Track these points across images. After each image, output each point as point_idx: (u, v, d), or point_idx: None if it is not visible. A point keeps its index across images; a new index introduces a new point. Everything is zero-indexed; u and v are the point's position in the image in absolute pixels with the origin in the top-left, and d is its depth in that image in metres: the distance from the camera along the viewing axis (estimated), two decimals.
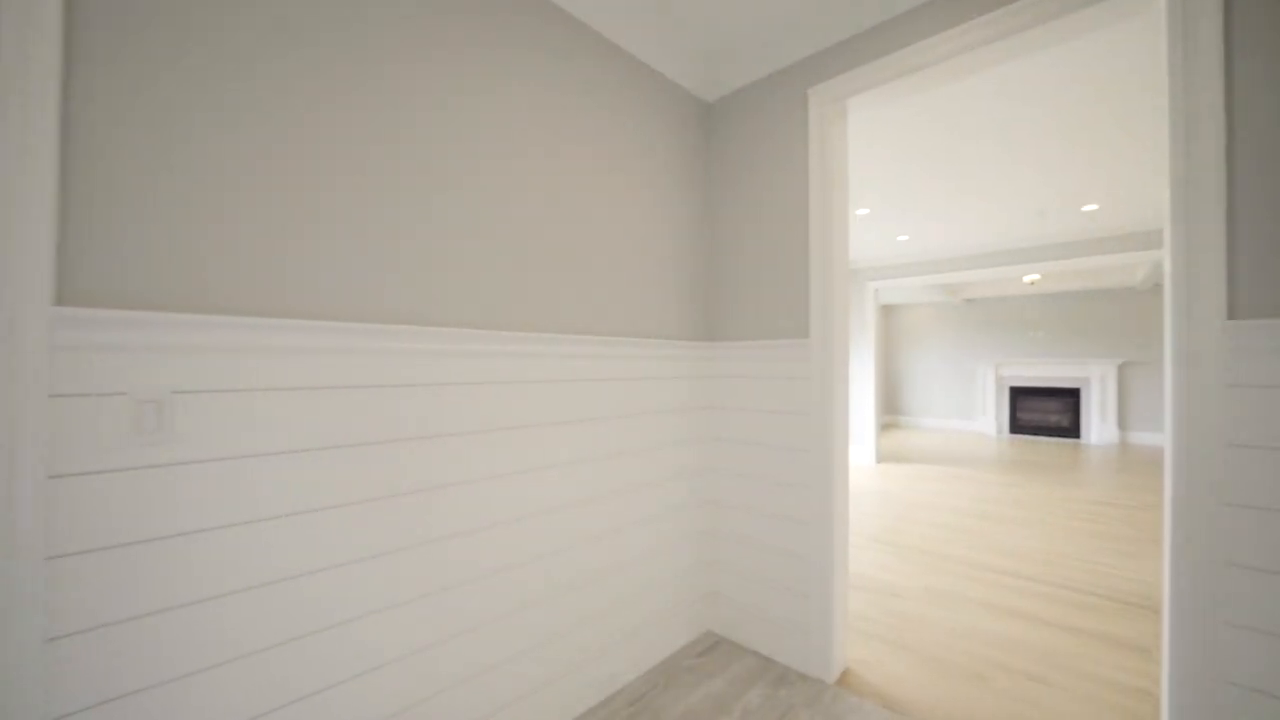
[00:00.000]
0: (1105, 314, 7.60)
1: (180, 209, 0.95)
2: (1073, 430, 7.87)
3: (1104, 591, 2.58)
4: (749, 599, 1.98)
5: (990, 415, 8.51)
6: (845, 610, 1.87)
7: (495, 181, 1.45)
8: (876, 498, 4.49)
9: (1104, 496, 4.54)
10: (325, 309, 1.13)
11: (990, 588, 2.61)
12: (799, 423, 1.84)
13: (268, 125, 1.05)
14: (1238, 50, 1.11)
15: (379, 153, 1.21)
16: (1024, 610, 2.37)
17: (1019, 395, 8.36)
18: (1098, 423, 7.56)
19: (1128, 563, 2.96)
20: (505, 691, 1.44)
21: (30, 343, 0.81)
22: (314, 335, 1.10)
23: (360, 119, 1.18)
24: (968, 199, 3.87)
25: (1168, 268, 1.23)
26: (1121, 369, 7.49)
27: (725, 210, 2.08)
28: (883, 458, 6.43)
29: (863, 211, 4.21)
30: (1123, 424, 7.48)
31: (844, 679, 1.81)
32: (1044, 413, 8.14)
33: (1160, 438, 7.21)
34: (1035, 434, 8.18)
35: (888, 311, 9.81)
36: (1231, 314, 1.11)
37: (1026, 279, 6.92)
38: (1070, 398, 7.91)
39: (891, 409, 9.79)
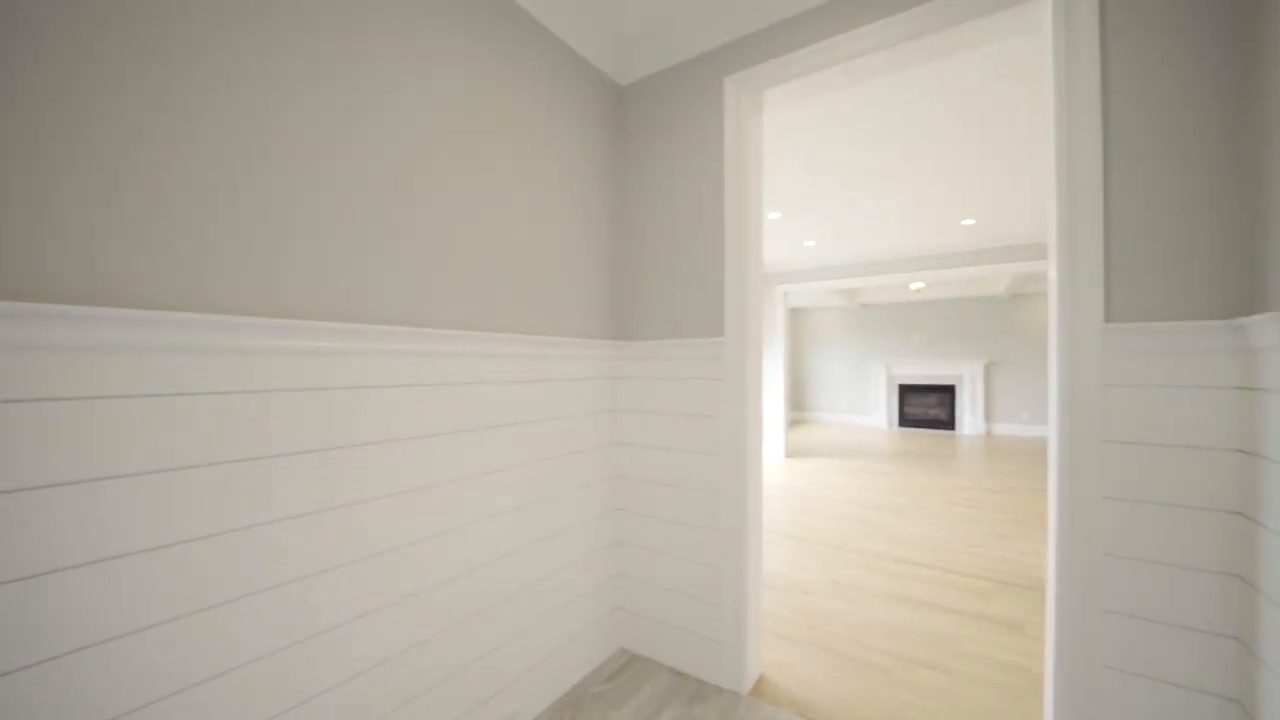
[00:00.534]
0: (975, 319, 8.56)
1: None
2: (949, 423, 8.78)
3: (981, 572, 2.80)
4: (662, 612, 1.89)
5: (882, 410, 9.28)
6: (759, 616, 1.83)
7: (399, 164, 1.22)
8: (785, 493, 4.65)
9: (976, 483, 5.05)
10: (183, 298, 0.86)
11: (888, 577, 2.75)
12: (712, 426, 1.77)
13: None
14: (1114, 77, 1.18)
15: (258, 128, 0.95)
16: (917, 597, 2.50)
17: (906, 392, 9.19)
18: (969, 416, 8.50)
19: (1000, 544, 3.27)
20: None
21: None
22: (155, 331, 0.84)
23: (242, 96, 0.91)
24: (867, 209, 4.10)
25: (1053, 275, 1.29)
26: (987, 368, 8.47)
27: (638, 200, 1.97)
28: (791, 453, 6.74)
29: (774, 215, 4.32)
30: (988, 416, 8.46)
31: (758, 688, 1.77)
32: (925, 407, 9.01)
33: (1017, 428, 8.26)
34: (918, 426, 9.04)
35: (795, 314, 10.37)
36: (1108, 318, 1.17)
37: (913, 286, 7.60)
38: (947, 393, 8.82)
39: (798, 406, 10.36)
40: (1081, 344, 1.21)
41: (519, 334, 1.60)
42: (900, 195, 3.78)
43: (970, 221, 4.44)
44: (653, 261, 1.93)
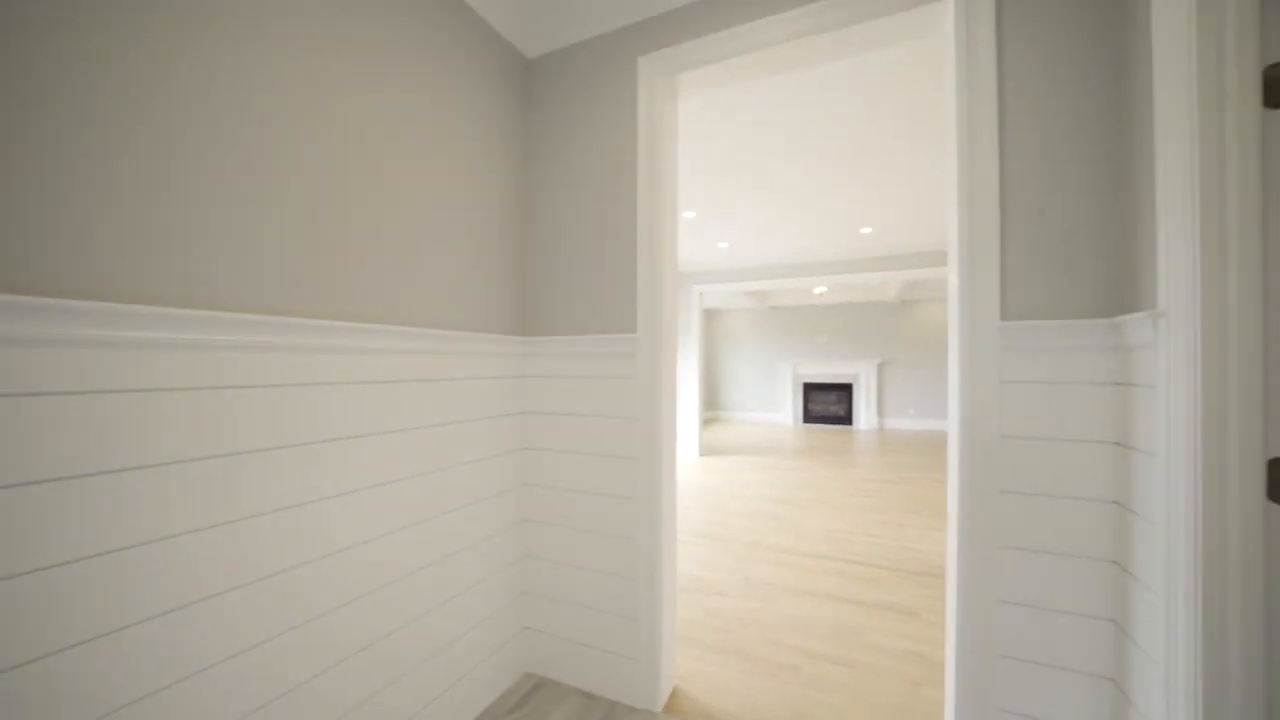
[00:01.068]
0: (869, 322, 9.28)
1: None
2: (848, 418, 9.45)
3: (880, 562, 2.95)
4: (572, 630, 1.74)
5: (789, 408, 9.78)
6: (674, 626, 1.75)
7: (288, 140, 0.95)
8: (700, 491, 4.68)
9: (873, 475, 5.41)
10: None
11: (796, 571, 2.80)
12: (625, 427, 1.65)
13: None
14: (1007, 84, 1.21)
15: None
16: (824, 590, 2.56)
17: (810, 390, 9.76)
18: (864, 411, 9.20)
19: (897, 532, 3.49)
20: None
21: None
22: None
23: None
24: (776, 213, 4.23)
25: (953, 276, 1.32)
26: (880, 367, 9.21)
27: (547, 183, 1.80)
28: (705, 451, 6.85)
29: (689, 214, 4.32)
30: (881, 412, 9.20)
31: (672, 703, 1.68)
32: (827, 404, 9.63)
33: (906, 422, 9.06)
34: (821, 422, 9.63)
35: (709, 315, 10.63)
36: (1004, 316, 1.21)
37: (816, 291, 8.07)
38: (845, 391, 9.49)
39: (712, 405, 10.64)
40: (980, 342, 1.24)
41: (406, 326, 1.37)
42: (806, 202, 3.92)
43: (868, 230, 4.74)
44: (562, 250, 1.78)
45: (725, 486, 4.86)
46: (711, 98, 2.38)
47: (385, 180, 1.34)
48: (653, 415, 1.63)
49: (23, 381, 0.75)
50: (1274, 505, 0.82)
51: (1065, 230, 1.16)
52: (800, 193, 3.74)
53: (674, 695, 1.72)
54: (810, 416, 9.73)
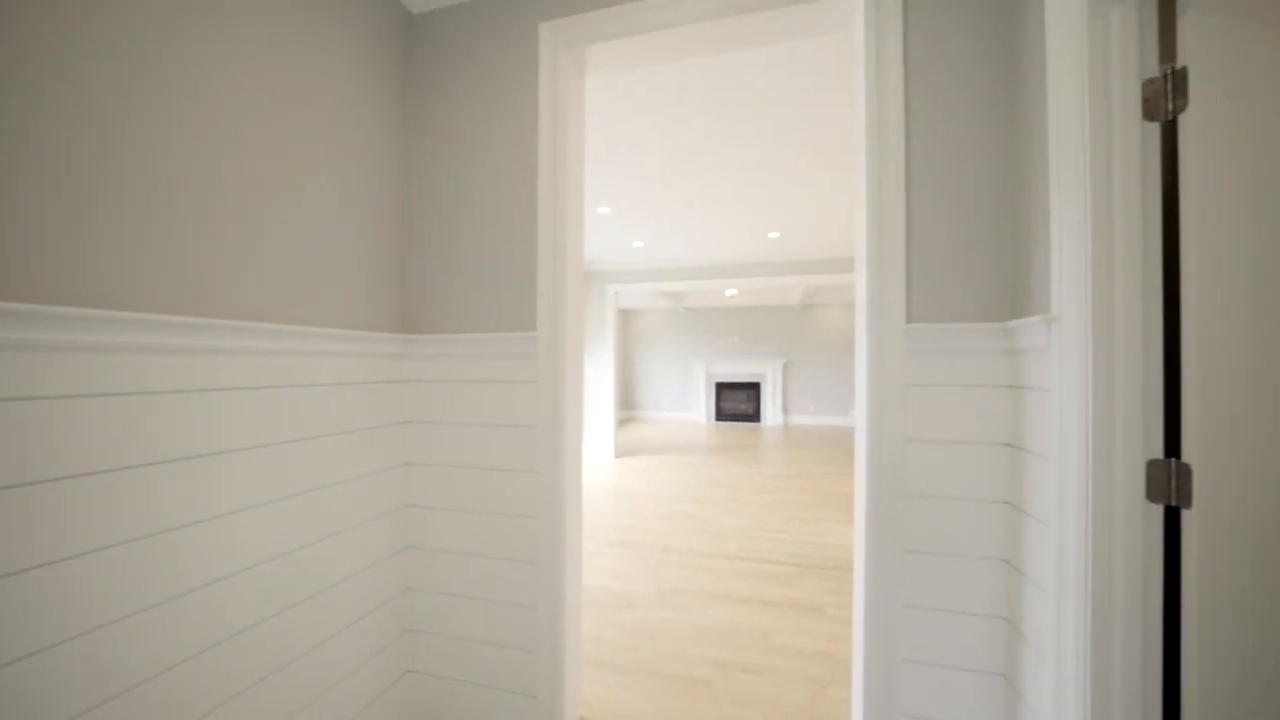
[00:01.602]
0: (775, 324, 9.74)
1: None
2: (756, 416, 9.86)
3: (786, 558, 3.02)
4: (464, 670, 1.53)
5: (702, 406, 10.02)
6: (579, 653, 1.60)
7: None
8: (615, 494, 4.57)
9: (779, 470, 5.63)
10: None
11: (709, 574, 2.78)
12: (525, 438, 1.48)
13: None
14: (912, 87, 1.21)
15: None
16: (734, 592, 2.55)
17: (721, 389, 10.07)
18: (771, 409, 9.65)
19: (801, 527, 3.61)
20: None
21: None
22: None
23: None
24: (690, 214, 4.23)
25: (862, 277, 1.30)
26: (785, 367, 9.71)
27: (433, 163, 1.58)
28: (620, 453, 6.77)
29: (604, 210, 4.19)
30: (786, 409, 9.70)
31: None
32: (737, 402, 9.99)
33: (808, 419, 9.61)
34: (732, 420, 9.97)
35: (625, 315, 10.60)
36: (910, 319, 1.20)
37: (728, 293, 8.30)
38: (754, 390, 9.90)
39: (628, 405, 10.62)
40: (887, 344, 1.23)
41: (255, 322, 1.10)
42: (722, 203, 3.95)
43: (775, 234, 4.90)
44: (452, 237, 1.56)
45: (641, 488, 4.79)
46: (628, 86, 2.26)
47: (224, 145, 1.06)
48: (556, 423, 1.47)
49: None
50: (1152, 505, 0.85)
51: (968, 233, 1.17)
52: (715, 194, 3.75)
53: None
54: (721, 415, 10.04)
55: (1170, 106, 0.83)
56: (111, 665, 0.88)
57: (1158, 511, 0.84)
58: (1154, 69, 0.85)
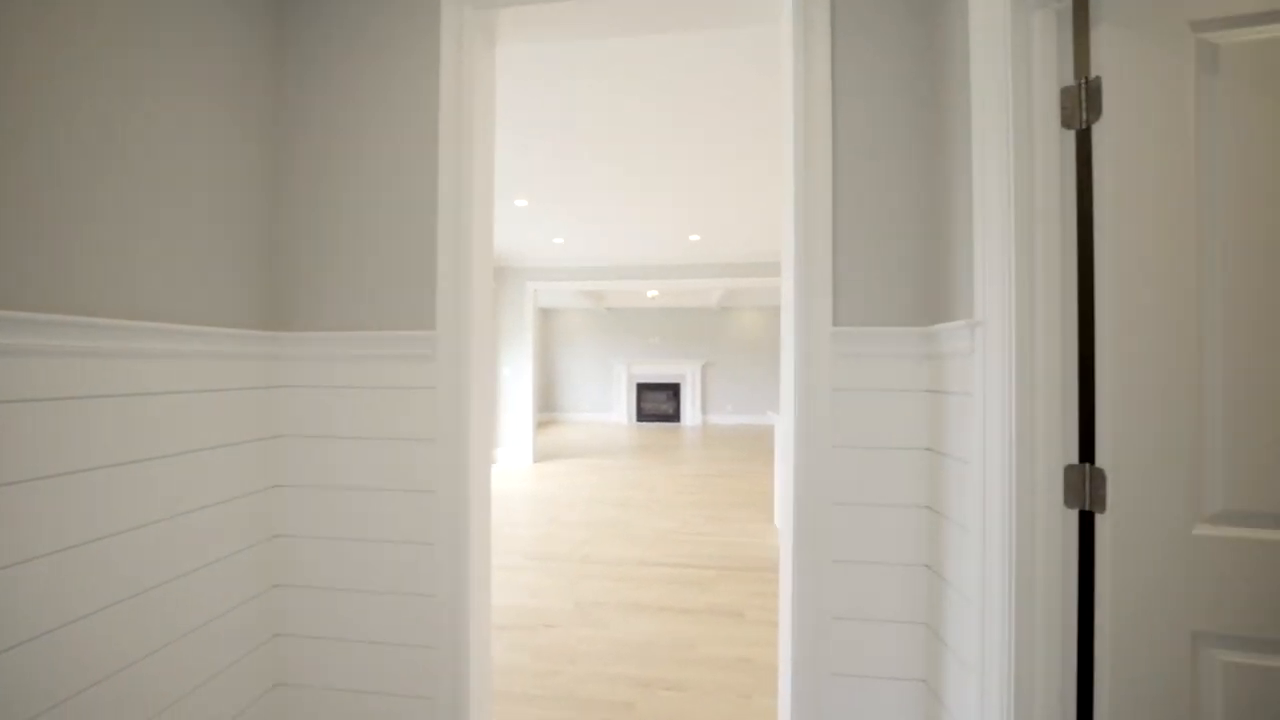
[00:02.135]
0: (694, 326, 9.93)
1: None
2: (676, 416, 9.99)
3: (706, 561, 3.00)
4: None
5: (623, 407, 9.98)
6: (488, 690, 1.42)
7: None
8: (532, 502, 4.35)
9: (699, 470, 5.69)
10: None
11: (629, 584, 2.68)
12: (421, 453, 1.28)
13: None
14: (840, 92, 1.18)
15: None
16: (654, 601, 2.47)
17: (642, 389, 10.09)
18: (690, 409, 9.82)
19: (720, 527, 3.62)
20: None
21: None
22: None
23: None
24: (611, 212, 4.12)
25: (790, 281, 1.25)
26: (704, 368, 9.92)
27: (313, 133, 1.33)
28: (539, 457, 6.51)
29: (521, 203, 3.97)
30: (704, 409, 9.92)
31: None
32: (658, 403, 10.07)
33: (725, 418, 9.89)
34: (653, 420, 10.02)
35: (545, 315, 10.29)
36: (836, 322, 1.17)
37: (649, 294, 8.31)
38: (674, 390, 10.02)
39: (548, 406, 10.32)
40: (814, 347, 1.19)
41: (80, 316, 0.82)
42: (643, 198, 3.88)
43: (696, 237, 4.94)
44: (334, 218, 1.32)
45: (560, 494, 4.61)
46: (545, 62, 2.10)
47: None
48: (458, 435, 1.29)
49: None
50: (1069, 511, 0.86)
51: (894, 237, 1.16)
52: (635, 185, 3.67)
53: None
54: (642, 415, 10.06)
55: (1085, 116, 0.84)
56: None
57: (1074, 517, 0.85)
58: (1071, 78, 0.86)
